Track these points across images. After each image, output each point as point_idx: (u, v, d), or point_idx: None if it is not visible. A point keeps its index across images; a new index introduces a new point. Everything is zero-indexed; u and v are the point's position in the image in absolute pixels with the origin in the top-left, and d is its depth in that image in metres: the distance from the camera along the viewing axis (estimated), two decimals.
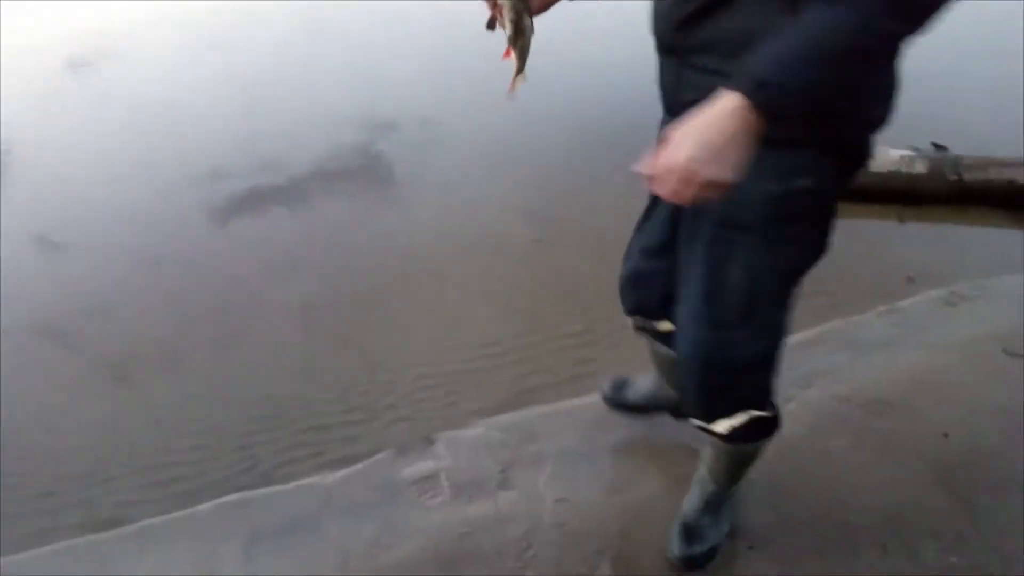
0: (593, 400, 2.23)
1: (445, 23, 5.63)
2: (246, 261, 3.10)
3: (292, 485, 2.03)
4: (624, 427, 2.17)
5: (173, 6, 6.18)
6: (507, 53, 1.31)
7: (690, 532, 1.77)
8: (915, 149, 3.30)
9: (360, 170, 3.73)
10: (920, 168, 3.21)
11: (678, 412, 2.01)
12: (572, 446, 2.11)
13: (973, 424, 2.12)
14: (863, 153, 1.23)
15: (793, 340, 2.41)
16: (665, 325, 1.61)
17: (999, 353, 2.36)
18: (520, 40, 1.30)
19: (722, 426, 1.45)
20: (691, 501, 1.82)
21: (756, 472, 1.86)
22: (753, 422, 1.44)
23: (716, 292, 1.28)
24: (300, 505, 1.97)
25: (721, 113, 0.95)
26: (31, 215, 3.47)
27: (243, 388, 2.45)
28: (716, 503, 1.79)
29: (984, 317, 2.53)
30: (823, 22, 0.94)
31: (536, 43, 1.33)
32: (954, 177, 3.18)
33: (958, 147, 3.38)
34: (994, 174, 3.17)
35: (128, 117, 4.36)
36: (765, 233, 1.21)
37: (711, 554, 1.77)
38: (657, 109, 1.42)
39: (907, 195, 3.22)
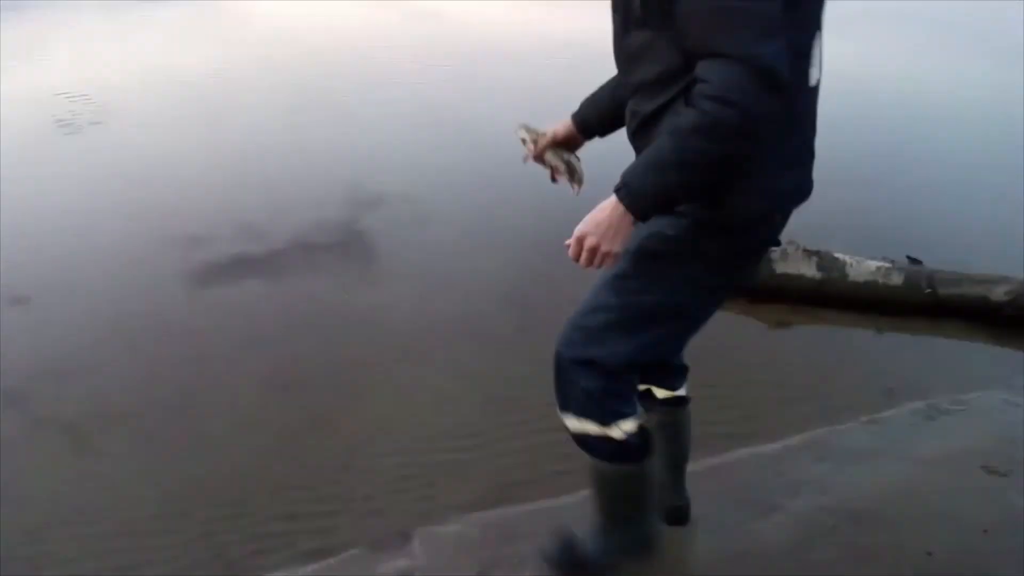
0: (576, 499, 2.17)
1: (433, 103, 5.78)
2: (219, 331, 3.05)
3: None
4: None
5: (164, 73, 6.27)
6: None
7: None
8: (891, 261, 3.39)
9: (342, 245, 3.73)
10: (896, 280, 3.29)
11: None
12: None
13: (956, 543, 2.10)
14: (731, 231, 1.45)
15: (779, 445, 2.45)
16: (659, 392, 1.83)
17: (979, 470, 2.36)
18: (575, 175, 1.67)
19: (570, 423, 1.61)
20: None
21: None
22: (599, 438, 1.58)
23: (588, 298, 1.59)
24: None
25: (607, 203, 1.34)
26: (3, 270, 3.39)
27: (210, 466, 2.36)
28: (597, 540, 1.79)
29: (963, 432, 2.55)
30: (660, 142, 1.29)
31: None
32: (928, 290, 3.26)
33: (932, 257, 3.49)
34: (967, 289, 3.26)
35: (111, 179, 4.36)
36: (629, 258, 1.47)
37: (573, 560, 1.79)
38: None
39: (884, 305, 3.28)
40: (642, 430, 1.62)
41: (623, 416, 1.58)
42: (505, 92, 5.95)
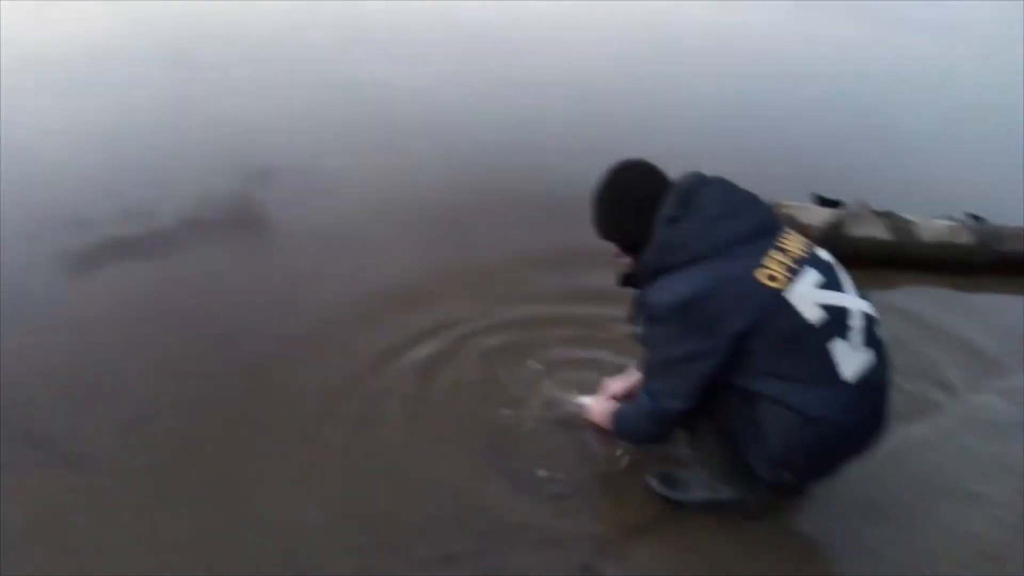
0: None
1: (319, 69, 5.49)
2: (109, 323, 2.62)
3: None
4: None
5: (40, 42, 5.65)
6: None
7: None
8: (954, 219, 3.28)
9: (235, 221, 3.35)
10: (966, 239, 3.18)
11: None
12: None
13: None
14: None
15: (932, 424, 2.26)
16: None
17: None
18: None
19: None
20: None
21: None
22: None
23: None
24: None
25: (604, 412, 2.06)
26: None
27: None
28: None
29: None
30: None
31: None
32: (997, 248, 3.17)
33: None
34: None
35: None
36: None
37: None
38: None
39: (956, 265, 3.17)
40: None
41: None
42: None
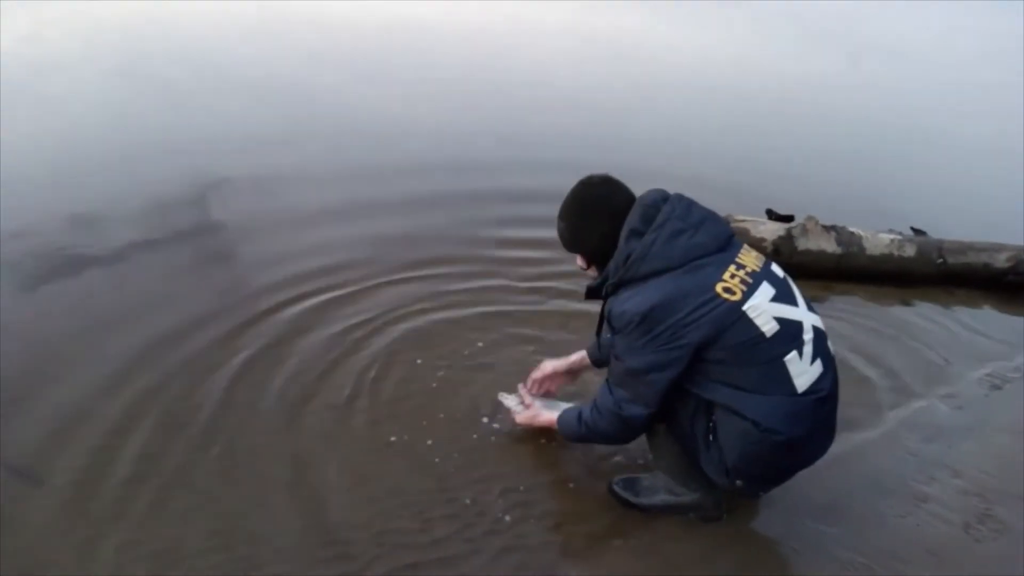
0: None
1: (267, 75, 5.68)
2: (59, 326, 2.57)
3: None
4: None
5: None
6: None
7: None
8: (899, 232, 3.42)
9: (192, 229, 3.33)
10: (909, 251, 3.32)
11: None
12: None
13: None
14: None
15: (882, 429, 2.34)
16: None
17: None
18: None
19: None
20: None
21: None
22: None
23: None
24: None
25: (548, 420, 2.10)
26: None
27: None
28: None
29: None
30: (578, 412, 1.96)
31: None
32: (940, 260, 3.31)
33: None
34: (972, 257, 3.34)
35: None
36: None
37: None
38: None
39: (900, 277, 3.30)
40: None
41: None
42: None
